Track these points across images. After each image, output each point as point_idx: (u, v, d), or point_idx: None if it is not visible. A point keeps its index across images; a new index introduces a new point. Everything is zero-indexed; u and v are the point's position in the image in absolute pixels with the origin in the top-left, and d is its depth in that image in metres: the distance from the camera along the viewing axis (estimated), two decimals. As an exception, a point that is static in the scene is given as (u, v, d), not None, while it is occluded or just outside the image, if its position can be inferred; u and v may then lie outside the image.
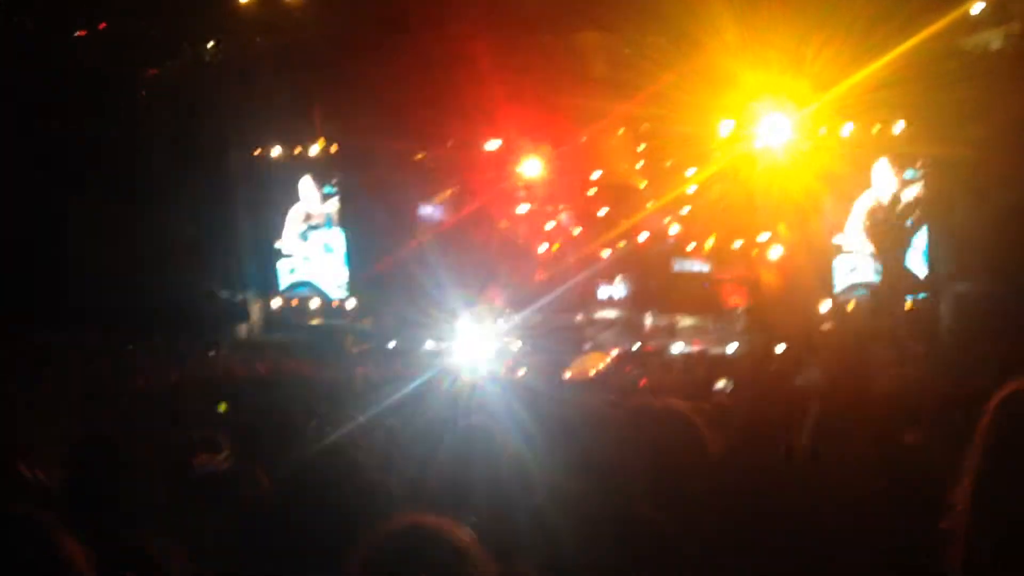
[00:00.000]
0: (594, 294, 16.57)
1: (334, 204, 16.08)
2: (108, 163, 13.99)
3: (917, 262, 13.85)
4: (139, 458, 3.82)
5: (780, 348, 13.03)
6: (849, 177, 13.94)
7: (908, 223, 13.78)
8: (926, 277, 13.74)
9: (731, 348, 14.64)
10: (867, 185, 14.03)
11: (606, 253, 16.57)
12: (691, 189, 15.59)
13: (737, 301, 15.43)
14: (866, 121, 13.57)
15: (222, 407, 7.33)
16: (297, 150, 15.99)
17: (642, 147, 16.01)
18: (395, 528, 2.33)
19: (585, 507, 3.32)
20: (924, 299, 13.74)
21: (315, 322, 16.27)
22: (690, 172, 15.47)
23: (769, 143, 13.59)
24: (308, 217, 16.30)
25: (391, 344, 15.24)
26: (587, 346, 15.62)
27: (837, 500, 3.33)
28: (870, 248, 14.07)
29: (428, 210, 16.95)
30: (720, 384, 10.24)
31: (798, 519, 3.26)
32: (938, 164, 13.10)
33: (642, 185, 16.08)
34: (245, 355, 13.61)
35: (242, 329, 16.22)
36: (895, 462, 3.79)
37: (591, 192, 16.45)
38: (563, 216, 16.79)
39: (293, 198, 16.29)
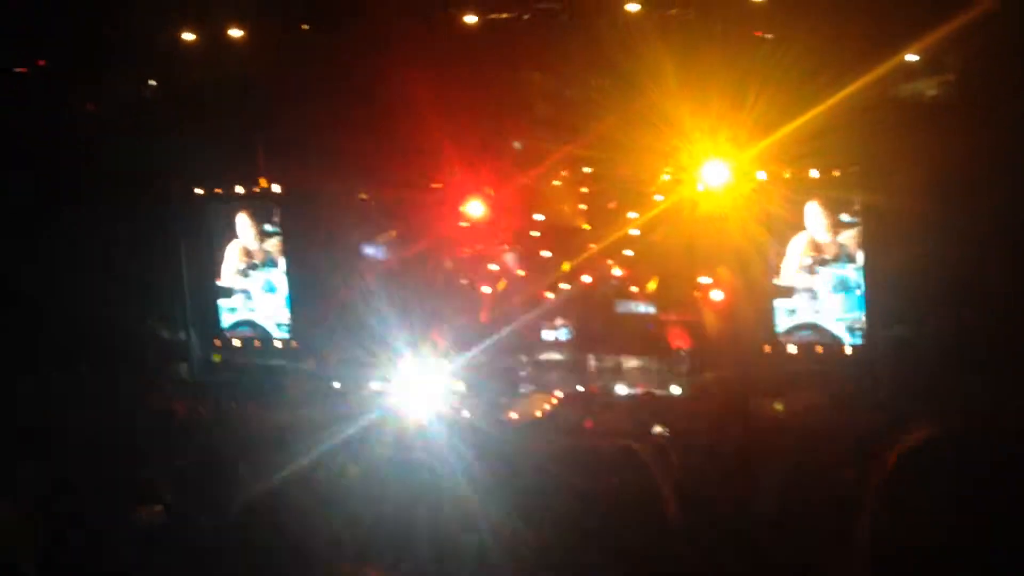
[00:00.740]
0: (538, 335, 16.61)
1: (276, 243, 15.96)
2: (47, 199, 13.81)
3: (853, 306, 14.07)
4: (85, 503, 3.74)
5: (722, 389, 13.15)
6: (787, 221, 14.17)
7: (843, 266, 14.02)
8: (862, 321, 13.96)
9: (676, 389, 14.74)
10: (803, 228, 14.26)
11: (550, 294, 16.64)
12: (634, 231, 15.75)
13: (681, 343, 15.55)
14: (803, 166, 13.83)
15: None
16: (239, 188, 15.88)
17: (585, 189, 16.17)
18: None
19: (531, 547, 3.32)
20: (860, 343, 13.95)
21: (257, 362, 16.07)
22: (633, 215, 15.64)
23: (710, 186, 13.81)
24: (249, 255, 16.15)
25: (335, 384, 15.11)
26: (531, 387, 15.62)
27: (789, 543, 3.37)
28: (807, 290, 14.28)
29: (371, 250, 16.91)
30: (659, 428, 10.31)
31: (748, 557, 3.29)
32: (873, 210, 13.36)
33: (586, 227, 16.21)
34: (186, 395, 13.41)
35: (183, 368, 15.98)
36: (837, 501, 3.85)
37: (535, 233, 16.54)
38: (507, 257, 16.83)
39: (234, 236, 16.15)
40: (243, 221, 16.05)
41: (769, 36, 12.33)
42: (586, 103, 12.96)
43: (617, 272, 16.42)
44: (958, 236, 11.47)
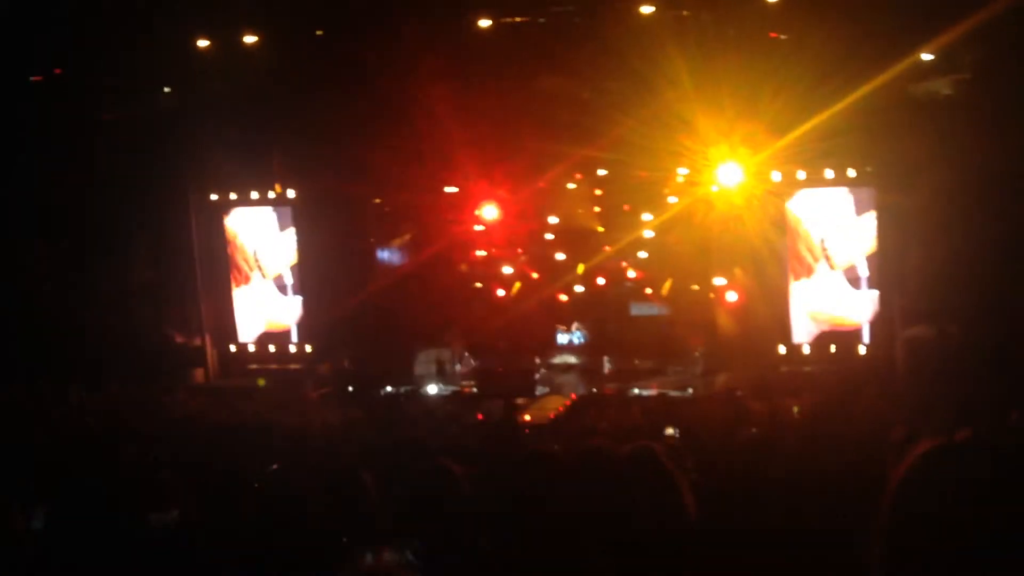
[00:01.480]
0: (553, 337, 16.63)
1: (292, 248, 16.00)
2: (66, 208, 13.89)
3: (867, 306, 14.03)
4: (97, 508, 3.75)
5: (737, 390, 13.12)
6: (800, 221, 14.16)
7: (860, 266, 14.00)
8: (877, 321, 13.92)
9: (690, 391, 14.72)
10: (816, 228, 14.22)
11: (564, 297, 16.66)
12: (648, 233, 15.76)
13: (695, 344, 15.53)
14: (819, 167, 13.82)
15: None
16: (255, 194, 15.94)
17: (599, 192, 16.19)
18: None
19: (546, 548, 3.33)
20: (875, 344, 13.92)
21: (273, 366, 16.11)
22: (647, 217, 15.65)
23: (724, 188, 13.81)
24: (264, 260, 16.19)
25: (350, 388, 15.14)
26: (546, 389, 15.63)
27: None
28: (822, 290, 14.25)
29: (386, 254, 16.97)
30: (671, 430, 10.26)
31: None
32: (890, 209, 13.33)
33: (600, 229, 16.23)
34: (202, 400, 13.44)
35: (199, 374, 16.03)
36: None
37: (549, 236, 16.56)
38: (521, 260, 16.86)
39: (250, 242, 16.20)
40: (263, 227, 16.09)
41: (783, 37, 12.32)
42: (600, 106, 12.96)
43: (632, 274, 16.44)
44: (974, 236, 11.42)
